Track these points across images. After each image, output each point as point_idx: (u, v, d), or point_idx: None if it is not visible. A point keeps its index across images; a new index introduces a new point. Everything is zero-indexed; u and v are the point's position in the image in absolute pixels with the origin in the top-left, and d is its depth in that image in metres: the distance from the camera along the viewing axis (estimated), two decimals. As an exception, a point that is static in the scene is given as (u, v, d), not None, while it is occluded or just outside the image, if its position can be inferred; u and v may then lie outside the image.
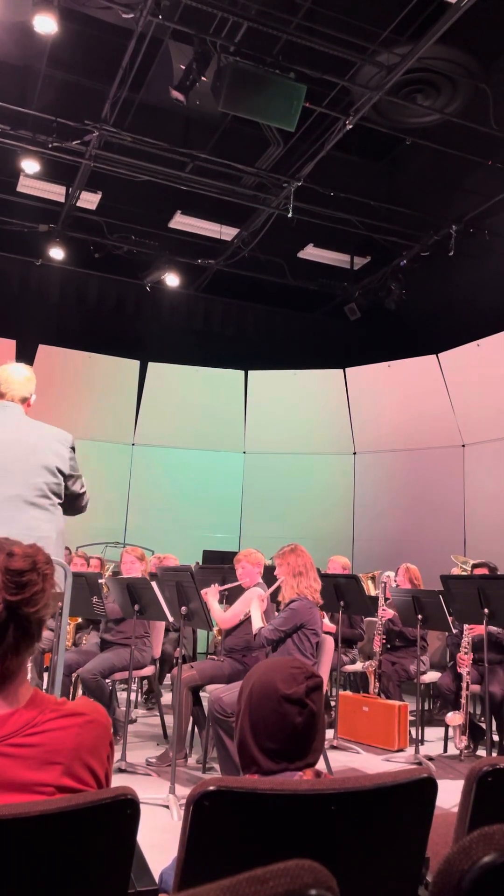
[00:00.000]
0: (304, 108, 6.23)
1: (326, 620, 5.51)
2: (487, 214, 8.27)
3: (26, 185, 8.38)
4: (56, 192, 8.55)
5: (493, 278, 8.56)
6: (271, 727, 1.56)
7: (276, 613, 4.53)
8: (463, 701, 4.78)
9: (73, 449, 3.11)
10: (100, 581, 5.17)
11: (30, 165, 7.55)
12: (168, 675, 6.40)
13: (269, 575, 4.93)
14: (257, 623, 4.25)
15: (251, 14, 5.87)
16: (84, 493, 3.19)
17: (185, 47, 6.29)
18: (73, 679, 5.10)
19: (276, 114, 6.19)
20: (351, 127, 6.84)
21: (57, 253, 9.20)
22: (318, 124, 7.23)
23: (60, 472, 3.02)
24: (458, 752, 4.89)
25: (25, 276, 9.97)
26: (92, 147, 7.25)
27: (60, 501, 3.06)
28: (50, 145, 7.21)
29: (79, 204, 8.56)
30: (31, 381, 3.15)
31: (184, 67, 6.24)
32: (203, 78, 6.15)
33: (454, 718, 4.75)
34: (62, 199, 8.57)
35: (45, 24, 5.67)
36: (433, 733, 5.57)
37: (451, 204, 8.59)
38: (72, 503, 3.15)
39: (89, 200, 8.63)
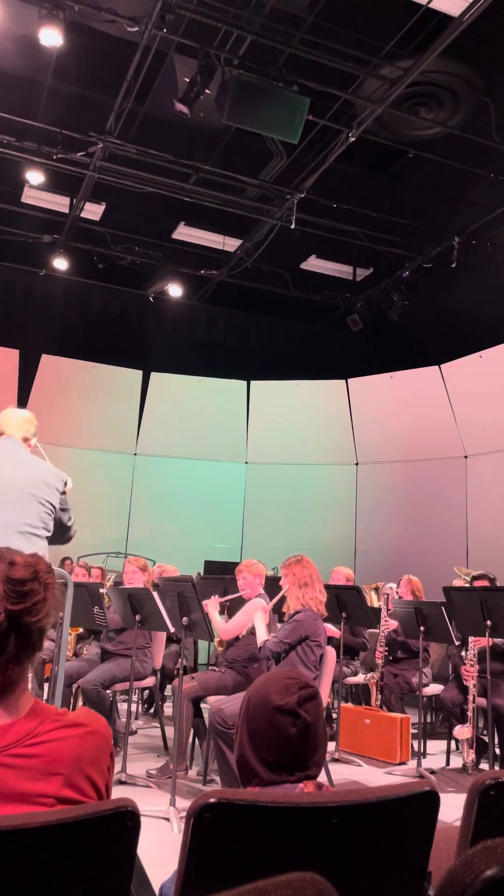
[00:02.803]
0: (307, 120, 6.26)
1: (330, 625, 5.49)
2: (490, 226, 8.30)
3: (31, 196, 8.43)
4: (60, 203, 8.60)
5: (496, 290, 8.58)
6: (267, 738, 1.56)
7: (279, 625, 4.51)
8: (470, 714, 4.75)
9: (65, 484, 3.26)
10: (101, 591, 5.16)
11: (34, 176, 7.60)
12: (168, 686, 6.37)
13: (270, 586, 4.91)
14: (262, 636, 4.22)
15: (255, 28, 5.91)
16: (71, 525, 3.36)
17: (190, 60, 6.33)
18: (73, 690, 5.08)
19: (279, 126, 6.23)
20: (354, 139, 6.88)
21: (61, 263, 9.24)
22: (322, 136, 7.27)
23: (52, 504, 3.16)
24: (461, 765, 4.86)
25: (29, 286, 10.01)
26: (96, 158, 7.30)
27: (48, 533, 3.18)
28: (55, 157, 7.26)
29: (83, 215, 8.61)
30: (30, 423, 3.32)
31: (188, 80, 6.28)
32: (207, 91, 6.19)
33: (463, 732, 4.71)
34: (66, 210, 8.62)
35: (51, 38, 5.72)
36: (435, 746, 5.54)
37: (453, 216, 8.62)
38: (59, 534, 3.30)
39: (93, 211, 8.68)
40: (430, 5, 5.48)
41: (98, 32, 6.64)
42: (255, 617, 4.35)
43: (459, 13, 5.44)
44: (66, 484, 3.25)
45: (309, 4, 6.10)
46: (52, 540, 3.24)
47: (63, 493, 3.22)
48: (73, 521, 3.36)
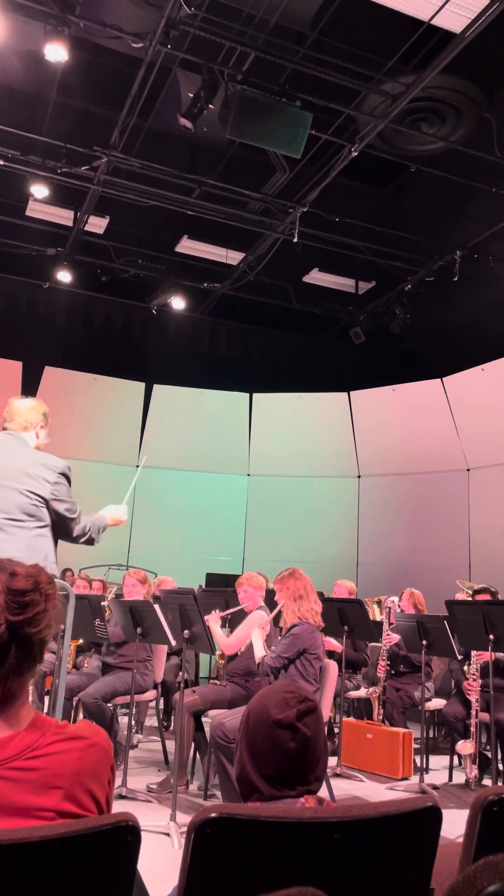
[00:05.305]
0: (309, 135, 6.30)
1: (332, 639, 5.46)
2: (491, 240, 8.34)
3: (35, 210, 8.48)
4: (64, 217, 8.65)
5: (497, 303, 8.61)
6: (266, 753, 1.55)
7: (279, 638, 4.50)
8: (473, 729, 4.72)
9: (63, 476, 3.13)
10: (102, 603, 5.15)
11: (39, 190, 7.65)
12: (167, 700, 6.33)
13: (271, 598, 4.91)
14: (259, 652, 4.21)
15: (259, 44, 5.97)
16: (73, 518, 3.16)
17: (194, 76, 6.39)
18: (73, 703, 5.06)
19: (282, 141, 6.27)
20: (356, 154, 6.92)
21: (64, 276, 9.29)
22: (324, 151, 7.31)
23: (38, 496, 3.03)
24: (464, 780, 4.82)
25: (33, 298, 10.06)
26: (100, 172, 7.34)
27: (42, 524, 3.05)
28: (59, 171, 7.31)
29: (87, 228, 8.66)
30: (34, 410, 3.23)
31: (192, 95, 6.33)
32: (211, 106, 6.24)
33: (465, 747, 4.68)
34: (70, 224, 8.67)
35: (56, 53, 5.77)
36: (438, 762, 5.50)
37: (455, 230, 8.66)
38: (60, 528, 3.15)
39: (97, 225, 8.74)
40: (432, 22, 5.53)
41: (103, 48, 6.69)
42: (252, 634, 4.33)
43: (461, 29, 5.49)
44: (63, 475, 3.12)
45: (312, 21, 6.15)
46: (60, 535, 3.13)
47: (56, 483, 3.08)
48: (79, 515, 3.16)
